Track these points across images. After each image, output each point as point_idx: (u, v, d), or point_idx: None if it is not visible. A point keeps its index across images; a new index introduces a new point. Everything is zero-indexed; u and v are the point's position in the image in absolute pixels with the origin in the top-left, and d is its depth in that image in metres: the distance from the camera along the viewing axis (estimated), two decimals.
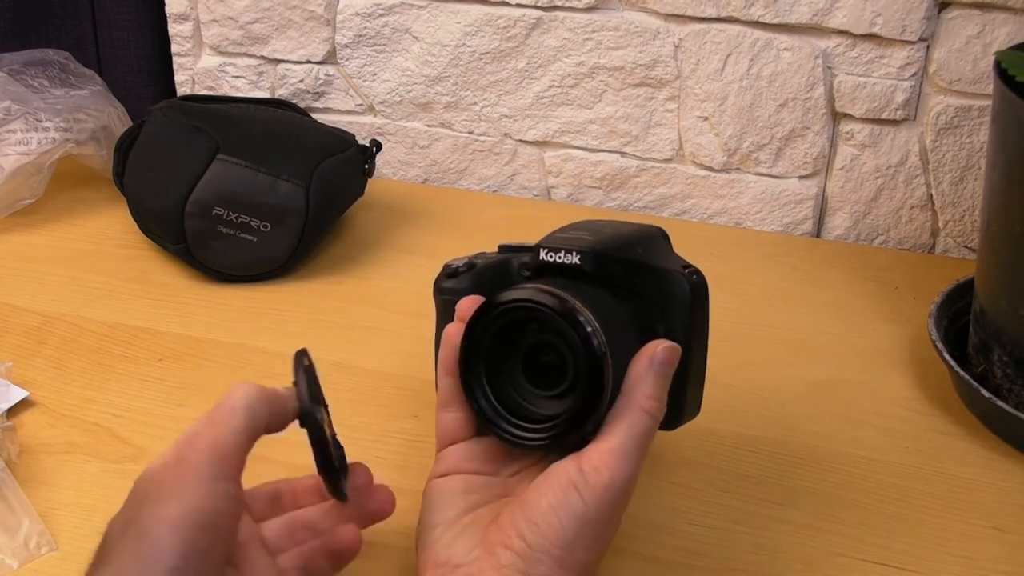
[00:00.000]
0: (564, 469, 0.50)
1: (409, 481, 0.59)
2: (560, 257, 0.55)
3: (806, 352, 0.79)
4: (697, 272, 0.55)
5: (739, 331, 0.82)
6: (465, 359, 0.53)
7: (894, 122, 0.91)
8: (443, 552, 0.51)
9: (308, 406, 0.50)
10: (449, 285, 0.60)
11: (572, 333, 0.50)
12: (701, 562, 0.60)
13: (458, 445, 0.55)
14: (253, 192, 0.83)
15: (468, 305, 0.54)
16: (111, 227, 0.94)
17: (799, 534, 0.62)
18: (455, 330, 0.54)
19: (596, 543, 0.50)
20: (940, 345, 0.72)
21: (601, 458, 0.49)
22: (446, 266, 0.61)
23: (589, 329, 0.50)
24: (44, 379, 0.74)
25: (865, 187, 0.94)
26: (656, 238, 0.59)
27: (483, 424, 0.53)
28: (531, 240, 0.58)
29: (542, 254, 0.55)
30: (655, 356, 0.52)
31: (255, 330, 0.80)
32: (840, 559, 0.61)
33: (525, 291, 0.51)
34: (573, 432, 0.51)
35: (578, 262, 0.54)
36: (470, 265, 0.60)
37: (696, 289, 0.55)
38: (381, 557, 0.58)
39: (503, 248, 0.61)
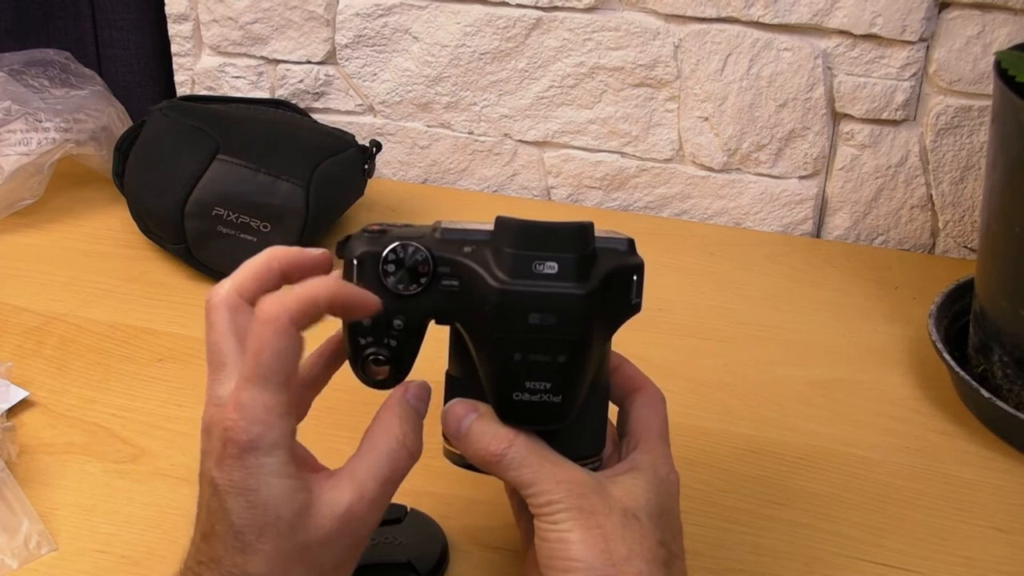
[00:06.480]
0: None
1: (425, 484, 0.59)
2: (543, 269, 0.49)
3: (806, 352, 0.79)
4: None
5: (739, 331, 0.82)
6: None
7: (894, 122, 0.91)
8: None
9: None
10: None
11: None
12: (701, 562, 0.60)
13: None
14: (253, 192, 0.83)
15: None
16: (111, 227, 0.94)
17: (799, 534, 0.62)
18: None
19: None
20: (940, 345, 0.72)
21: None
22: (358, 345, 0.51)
23: None
24: (44, 379, 0.74)
25: (865, 187, 0.94)
26: None
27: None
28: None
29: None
30: None
31: None
32: (840, 559, 0.61)
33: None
34: None
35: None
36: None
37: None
38: None
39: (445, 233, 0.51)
